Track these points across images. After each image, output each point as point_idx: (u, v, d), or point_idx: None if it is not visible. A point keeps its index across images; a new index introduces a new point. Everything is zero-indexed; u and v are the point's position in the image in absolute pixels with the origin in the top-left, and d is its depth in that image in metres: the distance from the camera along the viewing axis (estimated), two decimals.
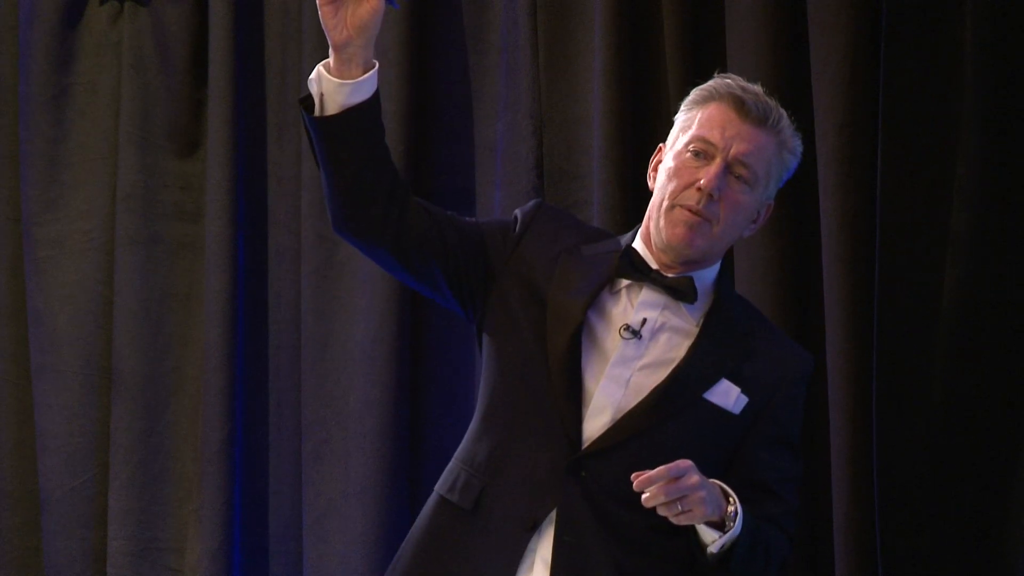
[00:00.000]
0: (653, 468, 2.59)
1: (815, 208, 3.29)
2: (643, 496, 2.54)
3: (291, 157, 3.97)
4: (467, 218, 2.84)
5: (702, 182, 2.72)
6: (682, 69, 3.45)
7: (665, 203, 2.76)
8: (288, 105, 3.99)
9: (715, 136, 2.75)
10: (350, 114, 2.65)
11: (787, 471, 2.77)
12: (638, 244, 2.82)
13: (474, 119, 3.80)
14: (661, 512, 2.55)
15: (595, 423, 2.71)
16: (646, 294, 2.76)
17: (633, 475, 2.55)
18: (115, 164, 4.07)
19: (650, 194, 2.83)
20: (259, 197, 4.01)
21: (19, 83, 4.11)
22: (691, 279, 2.76)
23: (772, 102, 2.79)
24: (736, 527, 2.63)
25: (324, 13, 2.63)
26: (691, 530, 2.65)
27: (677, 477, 2.55)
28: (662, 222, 2.76)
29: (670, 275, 2.76)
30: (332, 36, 2.64)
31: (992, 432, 3.11)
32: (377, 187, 2.70)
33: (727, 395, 2.73)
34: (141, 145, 4.05)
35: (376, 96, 2.68)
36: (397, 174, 2.74)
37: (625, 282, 2.77)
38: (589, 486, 2.68)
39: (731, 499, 2.64)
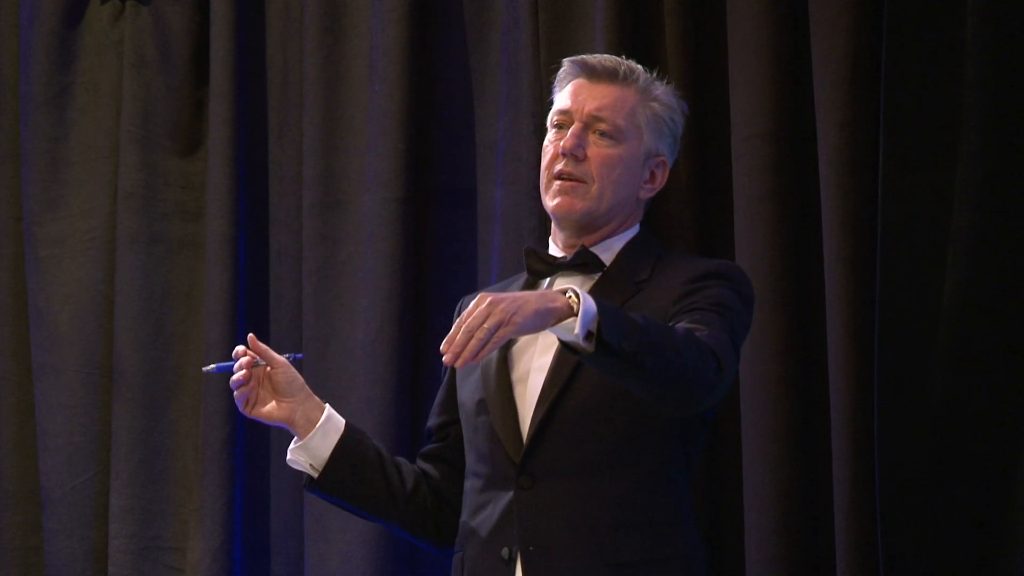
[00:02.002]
0: (584, 427, 2.66)
1: (815, 208, 3.29)
2: (445, 358, 2.48)
3: (292, 156, 3.97)
4: (442, 393, 3.04)
5: (560, 144, 2.80)
6: (682, 69, 3.45)
7: (543, 180, 2.85)
8: (289, 104, 3.99)
9: (568, 104, 2.84)
10: (337, 454, 2.83)
11: (696, 302, 2.69)
12: (551, 240, 2.89)
13: (475, 119, 3.80)
14: (487, 351, 2.45)
15: (527, 423, 2.75)
16: (561, 282, 2.80)
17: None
18: (116, 163, 4.07)
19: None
20: (260, 196, 4.01)
21: (20, 82, 4.11)
22: (586, 250, 2.79)
23: (623, 60, 2.86)
24: (584, 300, 2.44)
25: (257, 415, 2.85)
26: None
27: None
28: (546, 199, 2.84)
29: (568, 255, 2.81)
30: (280, 422, 2.84)
31: (992, 432, 3.11)
32: (412, 511, 2.90)
33: None
34: (142, 144, 4.04)
35: (348, 427, 2.85)
36: (419, 477, 2.94)
37: (544, 282, 2.83)
38: (540, 483, 2.71)
39: (567, 291, 2.48)
